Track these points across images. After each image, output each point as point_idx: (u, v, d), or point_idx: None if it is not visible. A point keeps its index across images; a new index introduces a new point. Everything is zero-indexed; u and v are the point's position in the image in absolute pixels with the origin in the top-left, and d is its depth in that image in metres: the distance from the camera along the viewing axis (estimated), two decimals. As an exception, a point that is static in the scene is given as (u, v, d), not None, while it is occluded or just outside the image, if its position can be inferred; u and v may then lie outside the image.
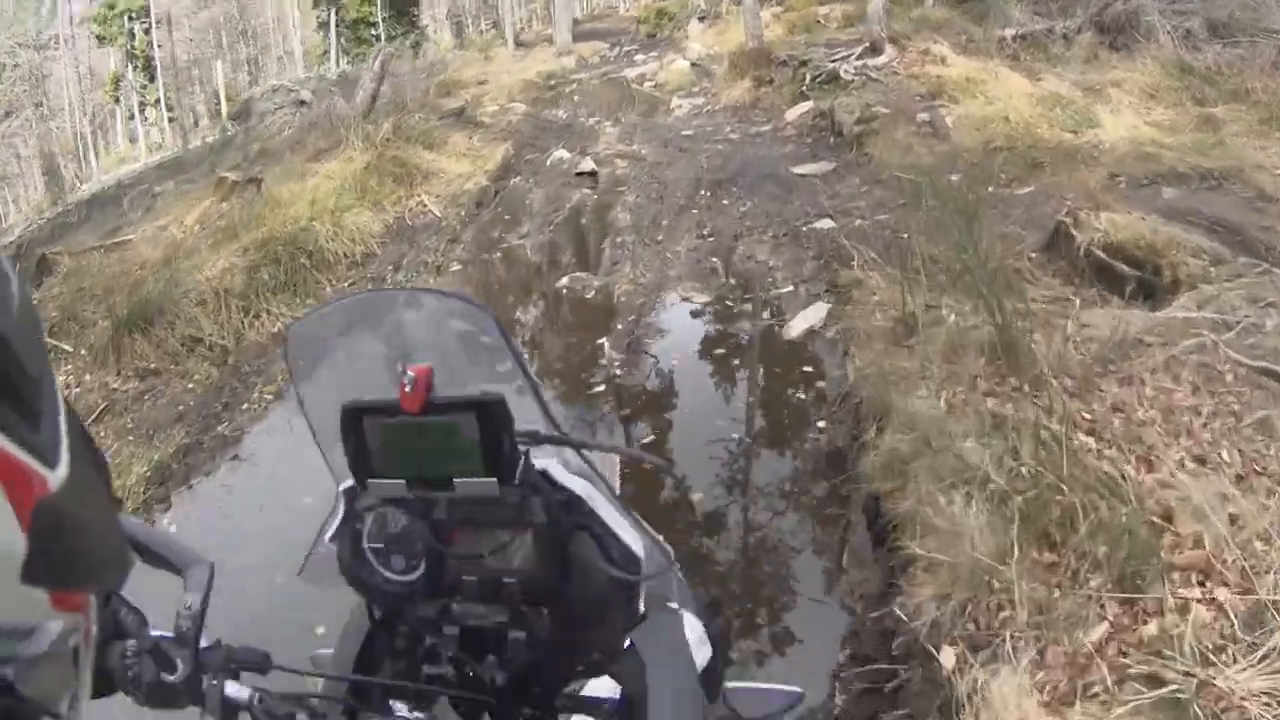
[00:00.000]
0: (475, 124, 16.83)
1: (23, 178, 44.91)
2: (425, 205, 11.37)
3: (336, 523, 1.52)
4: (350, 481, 1.50)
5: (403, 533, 1.40)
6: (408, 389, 1.34)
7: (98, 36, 41.33)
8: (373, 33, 36.25)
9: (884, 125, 11.20)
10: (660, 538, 1.53)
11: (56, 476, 0.48)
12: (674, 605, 1.62)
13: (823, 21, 23.32)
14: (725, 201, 10.05)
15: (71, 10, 42.43)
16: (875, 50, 15.08)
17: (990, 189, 8.58)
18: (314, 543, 1.55)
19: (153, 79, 40.63)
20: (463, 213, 11.09)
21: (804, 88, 14.08)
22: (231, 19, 47.02)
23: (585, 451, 1.51)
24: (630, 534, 1.45)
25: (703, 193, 10.41)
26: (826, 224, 8.66)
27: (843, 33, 20.11)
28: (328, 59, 37.06)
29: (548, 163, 12.72)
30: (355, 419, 1.40)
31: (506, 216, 10.95)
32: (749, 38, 17.54)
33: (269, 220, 10.11)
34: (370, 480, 1.44)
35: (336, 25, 36.60)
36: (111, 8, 39.58)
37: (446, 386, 1.37)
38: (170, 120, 41.18)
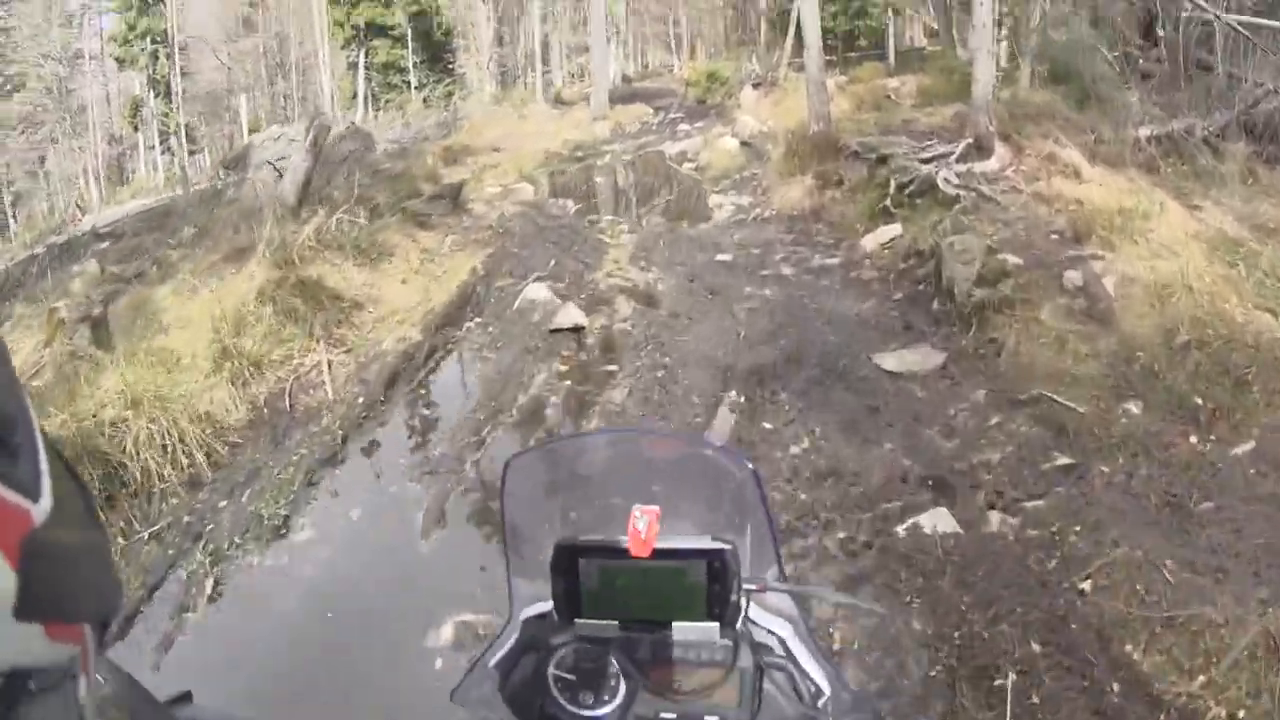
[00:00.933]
0: (462, 212, 13.36)
1: (44, 191, 42.43)
2: (322, 373, 7.72)
3: (505, 650, 1.40)
4: (533, 611, 1.41)
5: (597, 670, 1.33)
6: (642, 534, 1.24)
7: (116, 59, 38.68)
8: (403, 79, 33.08)
9: (1018, 290, 7.38)
10: (846, 678, 1.37)
11: (40, 509, 0.46)
12: None
13: (894, 97, 19.98)
14: (767, 424, 6.11)
15: (102, 26, 39.89)
16: (981, 149, 11.32)
17: (1193, 439, 5.55)
18: (473, 664, 1.39)
19: (174, 107, 37.93)
20: (364, 397, 7.33)
21: (887, 199, 10.27)
22: (271, 50, 44.36)
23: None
24: (820, 673, 1.33)
25: (733, 396, 6.56)
26: (943, 523, 4.77)
27: (920, 113, 16.83)
28: (358, 102, 33.93)
29: (517, 303, 8.86)
30: (570, 557, 1.33)
31: (425, 410, 7.24)
32: (813, 118, 13.83)
33: (81, 394, 6.59)
34: (579, 620, 1.34)
35: (366, 68, 33.48)
36: (132, 28, 36.92)
37: (671, 529, 1.28)
38: (192, 153, 38.34)
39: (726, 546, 1.27)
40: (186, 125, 38.91)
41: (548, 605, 1.36)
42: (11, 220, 42.17)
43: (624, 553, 1.26)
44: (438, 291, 9.40)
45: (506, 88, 37.89)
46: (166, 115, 38.09)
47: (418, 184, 16.24)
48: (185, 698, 0.78)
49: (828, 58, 28.27)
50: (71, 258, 19.94)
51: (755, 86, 23.65)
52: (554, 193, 14.91)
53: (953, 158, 11.23)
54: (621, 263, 10.08)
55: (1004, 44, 24.03)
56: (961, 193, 9.85)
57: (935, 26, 34.17)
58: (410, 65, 32.59)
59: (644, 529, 1.24)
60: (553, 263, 10.15)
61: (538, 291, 8.72)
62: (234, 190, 19.43)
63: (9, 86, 40.08)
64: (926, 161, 11.35)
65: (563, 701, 1.32)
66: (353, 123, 24.74)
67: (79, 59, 39.59)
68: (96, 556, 0.55)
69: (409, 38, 32.31)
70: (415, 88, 32.33)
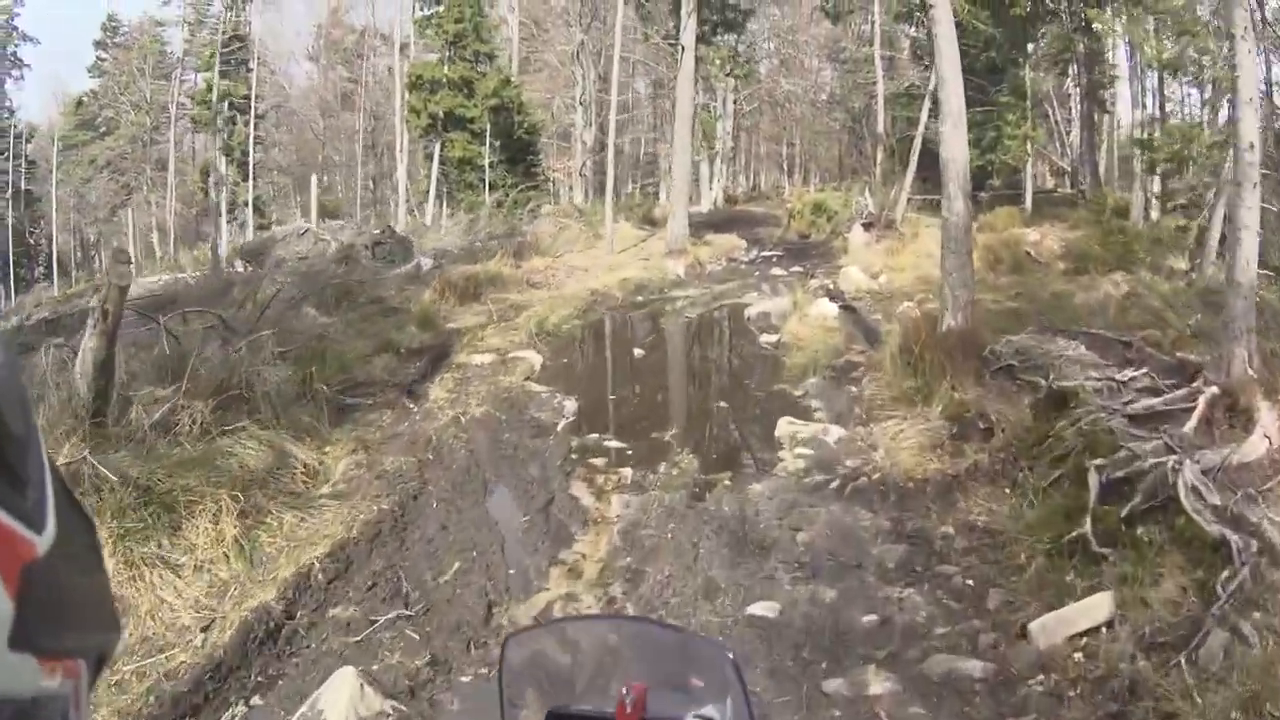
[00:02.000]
0: (421, 394, 9.21)
1: (126, 237, 39.97)
2: None
3: None
4: None
5: None
6: (628, 708, 1.31)
7: (192, 119, 36.09)
8: (479, 177, 29.43)
9: None
10: None
11: (44, 540, 0.46)
12: None
13: (1034, 254, 15.76)
14: None
15: (196, 83, 37.41)
16: (1235, 409, 6.59)
17: None
18: None
19: (246, 177, 35.04)
20: None
21: (1089, 514, 5.43)
22: (366, 130, 41.45)
23: None
24: None
25: None
26: None
27: (1075, 285, 12.95)
28: (435, 197, 30.32)
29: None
30: None
31: None
32: (950, 306, 9.18)
33: None
34: None
35: (441, 162, 29.93)
36: (210, 89, 34.27)
37: (658, 704, 1.36)
38: (261, 227, 35.11)
39: None
40: (257, 198, 36.03)
41: None
42: (97, 260, 39.60)
43: None
44: (227, 612, 4.92)
45: (603, 199, 34.09)
46: (237, 185, 35.26)
47: (407, 329, 12.13)
48: None
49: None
50: (52, 336, 16.41)
51: (867, 227, 19.27)
52: (563, 372, 10.55)
53: (1189, 425, 6.48)
54: (580, 580, 5.50)
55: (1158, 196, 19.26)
56: (1230, 536, 4.99)
57: (1065, 166, 28.80)
58: (486, 164, 28.86)
59: (630, 704, 1.29)
60: (457, 565, 5.55)
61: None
62: (239, 287, 15.53)
63: (104, 129, 38.48)
64: (1137, 421, 6.65)
65: None
66: (389, 226, 20.93)
67: (165, 112, 37.35)
68: (96, 592, 0.54)
69: (487, 133, 28.65)
70: (490, 188, 28.60)
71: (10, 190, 36.00)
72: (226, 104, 34.27)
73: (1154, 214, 18.55)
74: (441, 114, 29.17)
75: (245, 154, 35.04)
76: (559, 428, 8.40)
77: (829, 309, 12.96)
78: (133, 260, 33.32)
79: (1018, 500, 6.10)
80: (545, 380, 10.05)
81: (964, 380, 7.96)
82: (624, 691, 1.31)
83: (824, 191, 26.12)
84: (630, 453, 7.76)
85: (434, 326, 12.39)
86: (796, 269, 18.01)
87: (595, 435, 8.21)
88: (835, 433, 7.95)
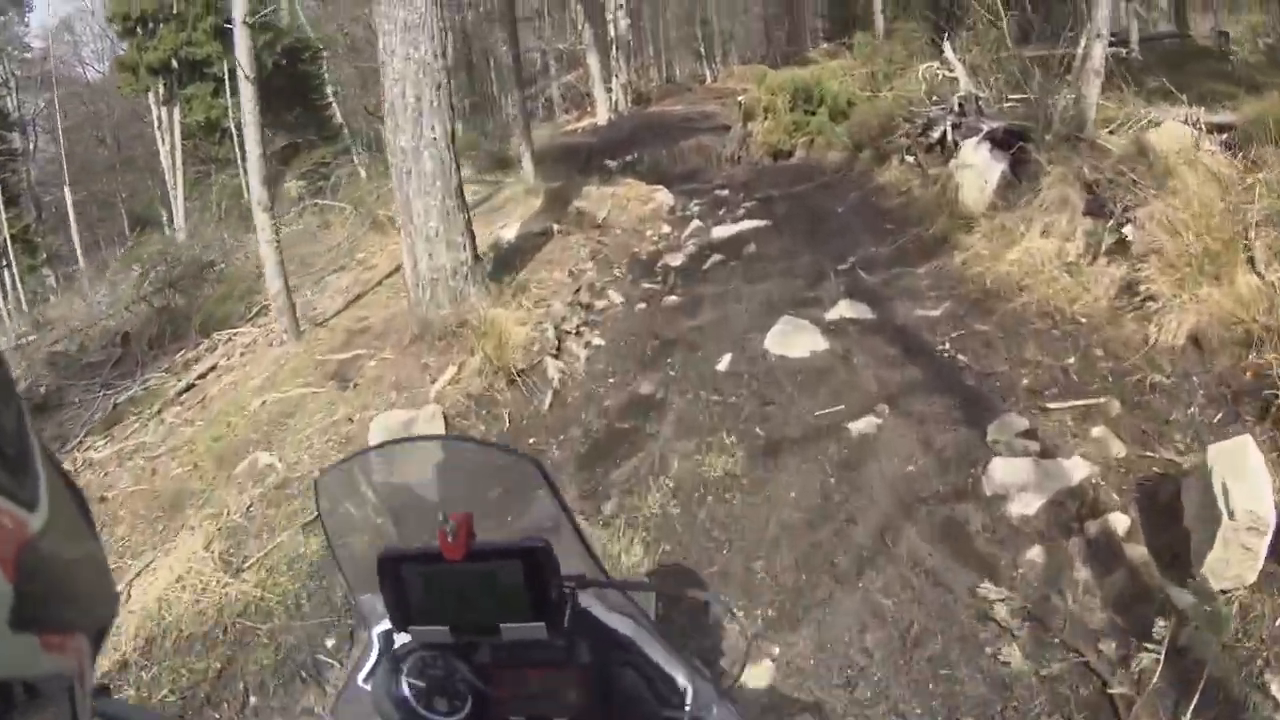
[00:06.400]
0: None
1: None
2: None
3: (370, 665, 1.25)
4: (387, 624, 1.23)
5: (445, 677, 1.19)
6: (450, 538, 1.09)
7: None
8: (233, 149, 15.91)
9: None
10: (707, 672, 1.23)
11: (37, 519, 0.42)
12: None
13: None
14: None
15: None
16: None
17: None
18: (346, 684, 1.28)
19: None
20: None
21: None
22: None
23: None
24: (676, 668, 1.20)
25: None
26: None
27: None
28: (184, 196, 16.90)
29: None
30: (394, 567, 1.16)
31: None
32: None
33: None
34: (411, 627, 1.19)
35: (185, 136, 16.50)
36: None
37: (488, 532, 1.13)
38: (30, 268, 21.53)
39: (538, 545, 1.10)
40: (25, 229, 22.24)
41: None
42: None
43: (441, 558, 1.10)
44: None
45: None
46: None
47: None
48: (102, 691, 0.66)
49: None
50: None
51: (1009, 147, 6.05)
52: None
53: None
54: None
55: None
56: None
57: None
58: (234, 126, 15.26)
59: (451, 533, 1.08)
60: None
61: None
62: None
63: None
64: None
65: (421, 710, 1.18)
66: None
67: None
68: (92, 566, 0.50)
69: (227, 76, 15.03)
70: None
71: None
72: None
73: None
74: (174, 63, 15.79)
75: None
76: None
77: None
78: None
79: None
80: None
81: None
82: (444, 523, 1.07)
83: (820, 66, 11.87)
84: None
85: None
86: (856, 307, 5.01)
87: None
88: None
